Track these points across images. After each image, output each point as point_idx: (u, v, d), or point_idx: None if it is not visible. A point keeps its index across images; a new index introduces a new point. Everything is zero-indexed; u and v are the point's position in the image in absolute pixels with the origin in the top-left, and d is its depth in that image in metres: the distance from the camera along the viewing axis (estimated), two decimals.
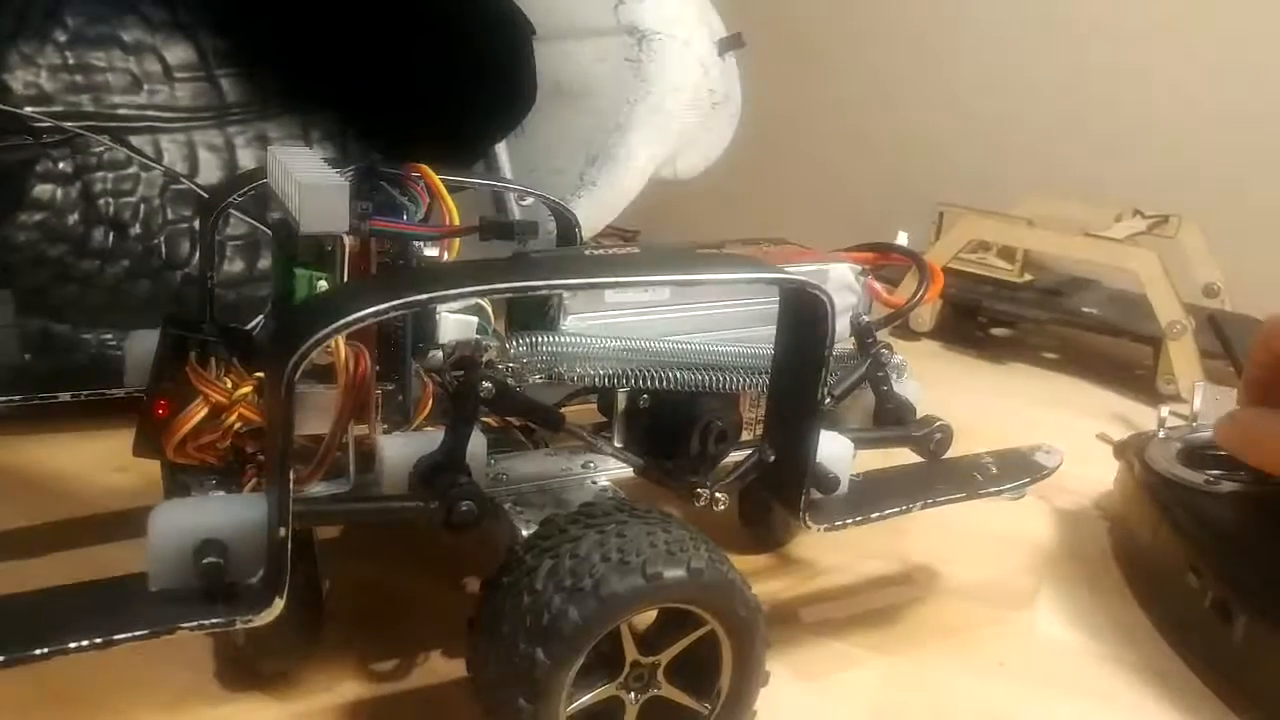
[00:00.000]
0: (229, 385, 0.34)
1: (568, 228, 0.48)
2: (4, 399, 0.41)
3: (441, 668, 0.38)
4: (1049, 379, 0.77)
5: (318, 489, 0.35)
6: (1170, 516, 0.45)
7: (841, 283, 0.45)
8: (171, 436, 0.33)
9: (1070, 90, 0.96)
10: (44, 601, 0.28)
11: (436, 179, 0.35)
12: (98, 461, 0.50)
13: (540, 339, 0.37)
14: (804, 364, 0.34)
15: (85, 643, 0.26)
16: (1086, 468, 0.58)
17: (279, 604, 0.28)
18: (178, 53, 0.66)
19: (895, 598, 0.46)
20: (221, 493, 0.34)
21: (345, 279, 0.33)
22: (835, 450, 0.38)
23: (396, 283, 0.29)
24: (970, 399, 0.68)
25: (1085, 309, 0.79)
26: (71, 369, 0.52)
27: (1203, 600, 0.41)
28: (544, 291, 0.34)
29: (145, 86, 0.64)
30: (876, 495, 0.39)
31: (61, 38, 0.62)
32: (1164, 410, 0.54)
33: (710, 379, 0.39)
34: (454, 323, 0.36)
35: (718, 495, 0.36)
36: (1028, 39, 0.97)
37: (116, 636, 0.27)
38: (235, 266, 0.65)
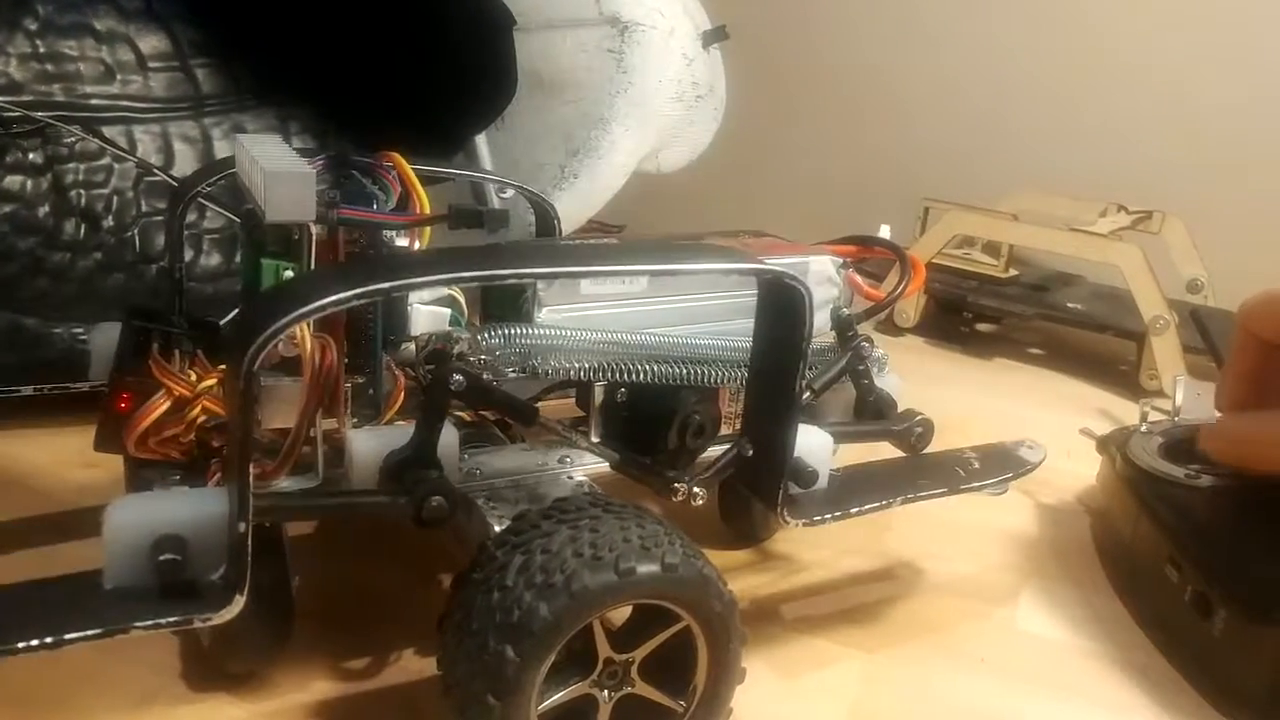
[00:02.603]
0: (193, 378, 0.33)
1: (547, 220, 0.47)
2: None
3: (414, 666, 0.38)
4: (1033, 374, 0.77)
5: (286, 484, 0.34)
6: (1151, 510, 0.44)
7: (822, 275, 0.44)
8: (133, 430, 0.32)
9: (1056, 86, 0.96)
10: None
11: (408, 168, 0.35)
12: (66, 458, 0.49)
13: (514, 331, 0.36)
14: (782, 356, 0.33)
15: (34, 642, 0.25)
16: (1070, 463, 0.58)
17: (240, 601, 0.27)
18: (151, 42, 0.64)
19: (876, 594, 0.45)
20: (184, 487, 0.33)
21: (312, 268, 0.32)
22: (814, 444, 0.37)
23: (361, 270, 0.28)
24: (954, 394, 0.68)
25: (1070, 304, 0.79)
26: (41, 363, 0.51)
27: (1182, 594, 0.41)
28: (513, 280, 0.33)
29: (118, 76, 0.63)
30: (856, 490, 0.39)
31: (32, 26, 0.61)
32: (1145, 405, 0.54)
33: (688, 373, 0.39)
34: (426, 314, 0.36)
35: (695, 490, 0.35)
36: (1014, 35, 0.97)
37: (67, 635, 0.26)
38: (212, 260, 0.64)
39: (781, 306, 0.33)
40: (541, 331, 0.37)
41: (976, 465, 0.43)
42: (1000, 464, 0.43)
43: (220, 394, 0.33)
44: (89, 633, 0.26)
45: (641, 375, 0.38)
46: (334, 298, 0.26)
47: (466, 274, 0.28)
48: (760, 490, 0.36)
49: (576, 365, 0.37)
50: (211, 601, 0.28)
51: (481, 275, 0.28)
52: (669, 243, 0.38)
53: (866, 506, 0.38)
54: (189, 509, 0.28)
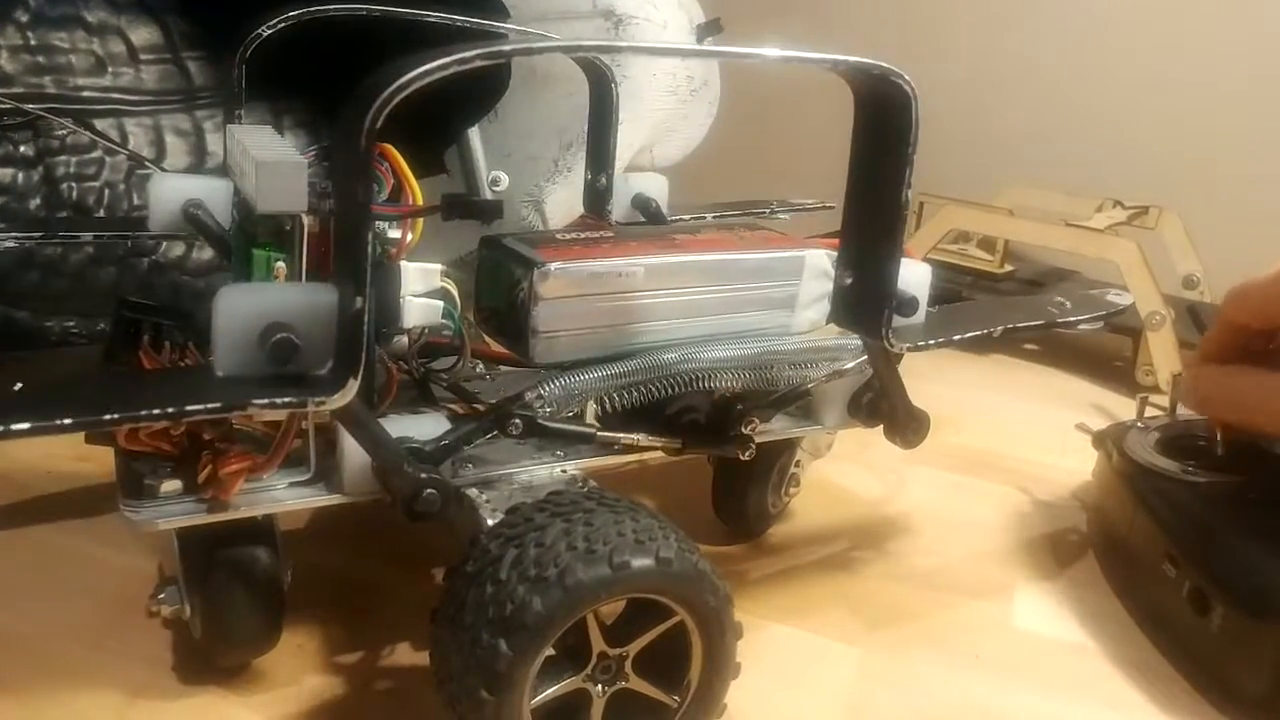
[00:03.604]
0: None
1: (604, 82, 0.46)
2: None
3: (406, 659, 0.38)
4: (1029, 370, 0.77)
5: (278, 477, 0.34)
6: (1147, 506, 0.44)
7: (818, 269, 0.44)
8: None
9: (1053, 81, 0.96)
10: (109, 383, 0.28)
11: (400, 159, 0.34)
12: (57, 451, 0.49)
13: (571, 380, 0.36)
14: (884, 166, 0.31)
15: (157, 411, 0.25)
16: (1066, 458, 0.58)
17: (354, 385, 0.27)
18: (143, 35, 0.64)
19: (870, 588, 0.45)
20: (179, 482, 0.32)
21: (304, 260, 0.32)
22: (914, 274, 0.36)
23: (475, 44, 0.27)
24: (951, 390, 0.68)
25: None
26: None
27: (1179, 590, 0.40)
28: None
29: (110, 69, 0.63)
30: (956, 321, 0.38)
31: (23, 18, 0.60)
32: (1142, 400, 0.54)
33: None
34: (419, 307, 0.35)
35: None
36: (1010, 30, 0.97)
37: (188, 407, 0.26)
38: (206, 254, 0.63)
39: (884, 108, 0.31)
40: (591, 376, 0.37)
41: (1069, 305, 0.43)
42: (1091, 305, 0.44)
43: None
44: (209, 406, 0.26)
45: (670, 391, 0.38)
46: (457, 57, 0.25)
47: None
48: (862, 318, 0.34)
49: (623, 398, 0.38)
50: (325, 386, 0.27)
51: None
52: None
53: (969, 334, 0.37)
54: (300, 298, 0.28)
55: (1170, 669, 0.41)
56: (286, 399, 0.27)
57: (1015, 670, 0.40)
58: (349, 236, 0.27)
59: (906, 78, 0.30)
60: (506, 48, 0.26)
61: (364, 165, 0.26)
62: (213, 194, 0.38)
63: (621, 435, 0.38)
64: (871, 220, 0.33)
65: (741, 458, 0.39)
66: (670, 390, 0.38)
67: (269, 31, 0.39)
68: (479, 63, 0.26)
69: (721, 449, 0.39)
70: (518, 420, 0.35)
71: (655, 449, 0.39)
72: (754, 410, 0.39)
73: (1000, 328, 0.38)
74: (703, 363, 0.38)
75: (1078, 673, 0.41)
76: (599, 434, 0.37)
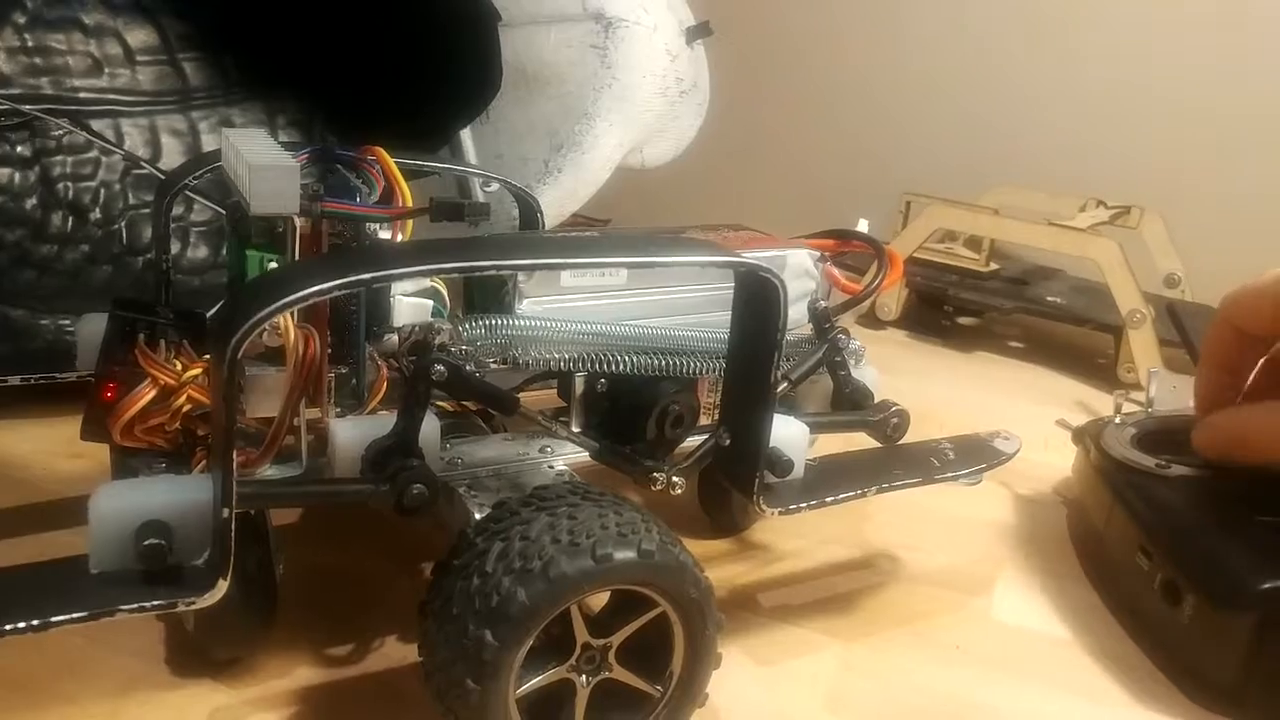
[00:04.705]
0: (178, 367, 0.33)
1: (530, 213, 0.48)
2: None
3: (396, 652, 0.38)
4: (1014, 367, 0.78)
5: (270, 472, 0.34)
6: (1122, 500, 0.45)
7: (800, 269, 0.45)
8: (118, 419, 0.33)
9: (1037, 83, 0.97)
10: None
11: (390, 162, 0.35)
12: (52, 448, 0.49)
13: (495, 322, 0.37)
14: (757, 347, 0.34)
15: (21, 624, 0.26)
16: (1047, 454, 0.58)
17: (223, 585, 0.28)
18: (139, 36, 0.65)
19: (853, 583, 0.46)
20: (168, 474, 0.33)
21: (296, 260, 0.33)
22: (791, 434, 0.38)
23: (343, 261, 0.29)
24: (936, 387, 0.69)
25: (1049, 298, 0.80)
26: (27, 354, 0.51)
27: (1152, 582, 0.41)
28: (491, 271, 0.34)
29: (106, 70, 0.63)
30: (832, 479, 0.39)
31: (20, 19, 0.61)
32: (1119, 396, 0.55)
33: (667, 364, 0.39)
34: (409, 306, 0.36)
35: (674, 479, 0.36)
36: (996, 31, 0.98)
37: (54, 619, 0.26)
38: (199, 253, 0.64)
39: (757, 298, 0.34)
40: (523, 323, 0.37)
41: (951, 456, 0.43)
42: (975, 455, 0.44)
43: (205, 383, 0.33)
44: (75, 615, 0.27)
45: (621, 366, 0.38)
46: (316, 288, 0.26)
47: (447, 265, 0.29)
48: (737, 479, 0.36)
49: (557, 355, 0.38)
50: (195, 585, 0.28)
51: (461, 267, 0.29)
52: (647, 236, 0.39)
53: (841, 495, 0.39)
54: (173, 495, 0.29)
55: (1145, 659, 0.42)
56: (156, 602, 0.28)
57: (995, 661, 0.41)
58: (219, 450, 0.28)
59: (775, 274, 0.33)
60: (366, 275, 0.27)
61: (230, 388, 0.27)
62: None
63: (540, 414, 0.38)
64: (747, 391, 0.35)
65: (651, 487, 0.37)
66: (594, 363, 0.38)
67: (194, 180, 0.40)
68: (338, 293, 0.27)
69: (631, 470, 0.37)
70: (441, 367, 0.34)
71: (573, 440, 0.39)
72: (676, 466, 0.37)
73: (875, 487, 0.39)
74: (622, 335, 0.39)
75: (1056, 664, 0.42)
76: (522, 407, 0.37)
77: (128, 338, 0.34)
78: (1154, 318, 0.71)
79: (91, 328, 0.38)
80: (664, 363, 0.39)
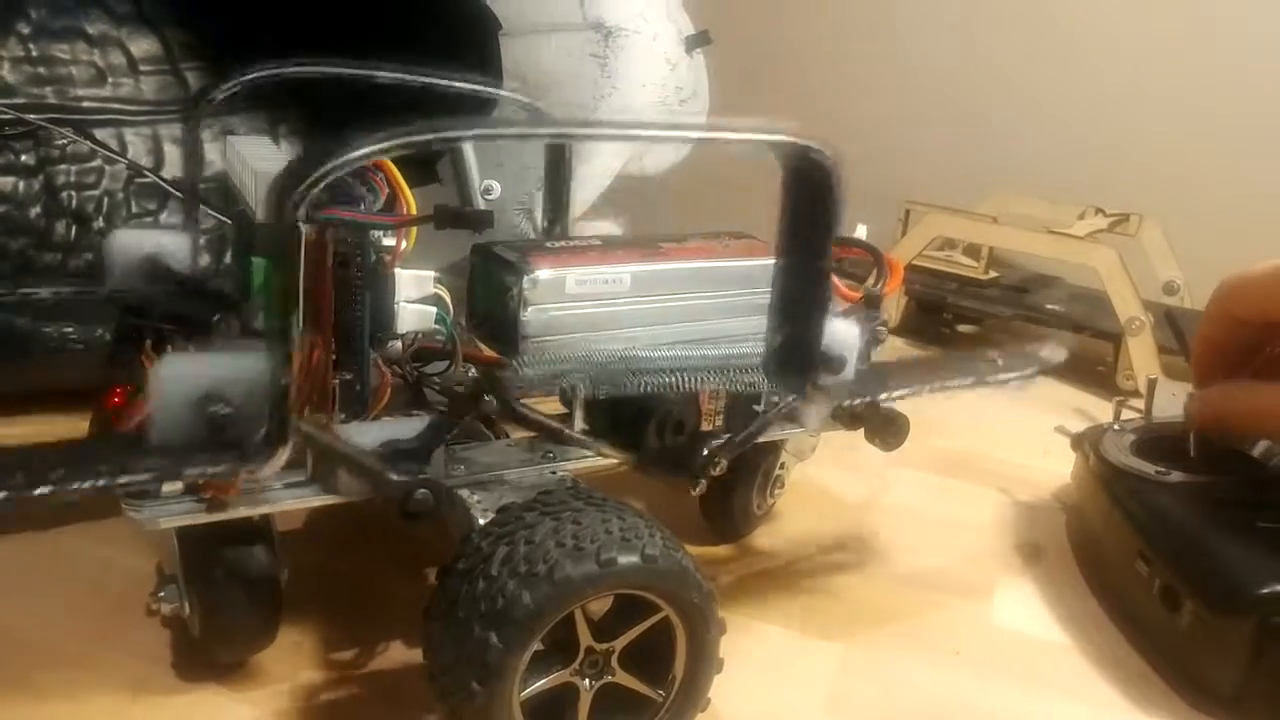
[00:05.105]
0: None
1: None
2: None
3: (400, 655, 0.39)
4: None
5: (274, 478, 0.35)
6: (1122, 506, 0.45)
7: None
8: (125, 424, 0.33)
9: (1036, 91, 0.97)
10: (46, 453, 0.28)
11: (395, 170, 0.36)
12: None
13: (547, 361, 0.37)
14: (810, 235, 0.32)
15: (88, 485, 0.26)
16: (1046, 460, 0.59)
17: (283, 454, 0.28)
18: (143, 46, 0.65)
19: (853, 588, 0.46)
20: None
21: (302, 268, 0.33)
22: (841, 331, 0.37)
23: (404, 127, 0.28)
24: (935, 394, 0.69)
25: (1048, 306, 0.80)
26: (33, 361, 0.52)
27: (1151, 588, 0.42)
28: (550, 139, 0.39)
29: (109, 79, 0.64)
30: (885, 380, 0.39)
31: (25, 30, 0.61)
32: (1118, 403, 0.55)
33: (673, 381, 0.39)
34: (412, 312, 0.36)
35: (717, 461, 0.36)
36: (996, 38, 0.98)
37: (120, 480, 0.26)
38: (202, 261, 0.64)
39: (808, 181, 0.32)
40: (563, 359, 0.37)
41: (1000, 363, 0.43)
42: (1023, 362, 0.44)
43: None
44: (141, 477, 0.27)
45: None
46: (381, 145, 0.26)
47: (508, 132, 0.33)
48: (788, 379, 0.35)
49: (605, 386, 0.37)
50: (256, 455, 0.28)
51: (523, 134, 0.35)
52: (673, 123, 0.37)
53: (896, 393, 0.38)
54: (235, 368, 0.29)
55: (1144, 665, 0.42)
56: (218, 469, 0.28)
57: (994, 666, 0.41)
58: (278, 319, 0.28)
59: (828, 150, 0.31)
60: (427, 136, 0.26)
61: (292, 250, 0.27)
62: (174, 249, 0.40)
63: (588, 440, 0.38)
64: (798, 284, 0.34)
65: (691, 492, 0.38)
66: (646, 388, 0.38)
67: (223, 95, 0.40)
68: (397, 152, 0.27)
69: (674, 474, 0.38)
70: (492, 400, 0.35)
71: (614, 459, 0.39)
72: (720, 451, 0.38)
73: (928, 386, 0.39)
74: (678, 359, 0.39)
75: (1055, 669, 0.42)
76: (566, 432, 0.38)
77: (135, 343, 0.35)
78: (1153, 325, 0.71)
79: (123, 242, 0.39)
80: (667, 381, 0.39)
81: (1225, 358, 0.48)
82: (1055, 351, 0.45)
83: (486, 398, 0.34)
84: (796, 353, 0.34)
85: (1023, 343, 0.46)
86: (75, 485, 0.26)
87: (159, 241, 0.40)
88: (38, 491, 0.26)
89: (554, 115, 0.51)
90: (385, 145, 0.27)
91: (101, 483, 0.26)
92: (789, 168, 0.33)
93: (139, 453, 0.28)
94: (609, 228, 0.51)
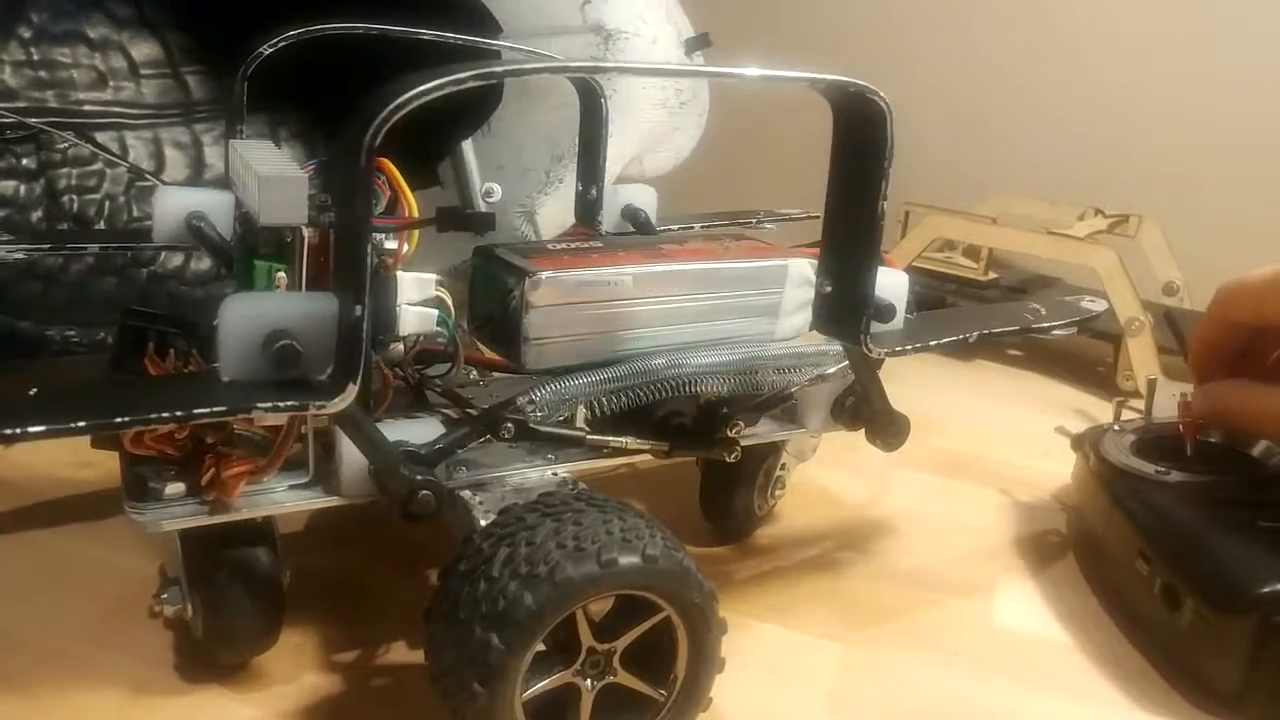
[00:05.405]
0: None
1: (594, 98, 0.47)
2: None
3: (402, 657, 0.39)
4: (1013, 375, 0.78)
5: (278, 480, 0.35)
6: (1122, 505, 0.45)
7: (801, 278, 0.45)
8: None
9: (1036, 92, 0.97)
10: (119, 388, 0.29)
11: (396, 173, 0.36)
12: (61, 458, 0.49)
13: (561, 385, 0.38)
14: (862, 179, 0.32)
15: (165, 415, 0.27)
16: (1047, 461, 0.59)
17: (353, 390, 0.28)
18: (144, 49, 0.65)
19: (853, 587, 0.46)
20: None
21: (304, 270, 0.33)
22: (890, 281, 0.37)
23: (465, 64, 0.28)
24: (936, 395, 0.69)
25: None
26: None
27: (1152, 587, 0.42)
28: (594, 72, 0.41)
29: (111, 83, 0.64)
30: (933, 327, 0.39)
31: (26, 34, 0.61)
32: (1118, 403, 0.55)
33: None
34: (414, 315, 0.36)
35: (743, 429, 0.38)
36: (996, 40, 0.99)
37: (196, 410, 0.27)
38: (204, 264, 0.65)
39: (861, 123, 0.32)
40: (579, 382, 0.38)
41: (1044, 311, 0.44)
42: (1065, 311, 0.45)
43: None
44: (215, 409, 0.27)
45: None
46: (452, 77, 0.27)
47: (555, 65, 0.34)
48: (842, 325, 0.35)
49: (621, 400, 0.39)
50: (325, 391, 0.28)
51: (572, 66, 0.37)
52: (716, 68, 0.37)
53: (945, 339, 0.39)
54: (302, 306, 0.29)
55: (1144, 663, 0.42)
56: (289, 403, 0.28)
57: (994, 666, 0.42)
58: (349, 248, 0.28)
59: (881, 94, 0.31)
60: (499, 68, 0.27)
61: (365, 180, 0.27)
62: (215, 206, 0.40)
63: (610, 439, 0.39)
64: (850, 231, 0.34)
65: (727, 459, 0.41)
66: (658, 395, 0.39)
67: (270, 50, 0.40)
68: (473, 83, 0.27)
69: (708, 452, 0.40)
70: (510, 424, 0.36)
71: (643, 452, 0.40)
72: (739, 414, 0.40)
73: (976, 333, 0.39)
74: (689, 368, 0.39)
75: (1055, 668, 0.42)
76: (589, 437, 0.39)
77: (138, 346, 0.35)
78: (1152, 325, 0.72)
79: (170, 200, 0.40)
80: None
81: (1221, 359, 0.49)
82: (1095, 302, 0.46)
83: (507, 424, 0.35)
84: (850, 299, 0.34)
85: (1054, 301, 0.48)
86: (151, 416, 0.27)
87: (202, 199, 0.40)
88: (117, 420, 0.26)
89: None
90: (463, 75, 0.27)
91: (179, 413, 0.27)
92: (843, 111, 0.32)
93: (210, 388, 0.28)
94: (644, 193, 0.52)
